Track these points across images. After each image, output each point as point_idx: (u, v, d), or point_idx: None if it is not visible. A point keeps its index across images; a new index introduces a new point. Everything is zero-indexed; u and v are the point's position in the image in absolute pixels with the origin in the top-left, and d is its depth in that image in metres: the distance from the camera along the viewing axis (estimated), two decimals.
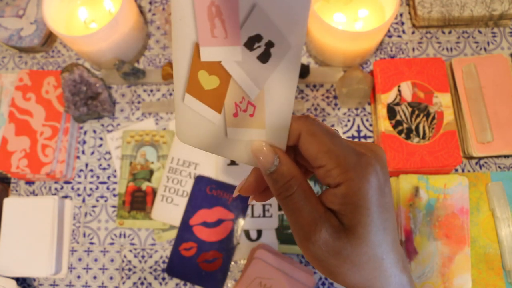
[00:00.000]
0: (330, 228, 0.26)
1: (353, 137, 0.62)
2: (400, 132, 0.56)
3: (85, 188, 0.64)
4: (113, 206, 0.63)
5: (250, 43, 0.26)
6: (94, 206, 0.63)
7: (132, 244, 0.61)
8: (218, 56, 0.27)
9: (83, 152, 0.66)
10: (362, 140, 0.62)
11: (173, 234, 0.60)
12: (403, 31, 0.66)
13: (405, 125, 0.57)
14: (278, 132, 0.28)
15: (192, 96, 0.29)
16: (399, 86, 0.58)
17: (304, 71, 0.62)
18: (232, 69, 0.27)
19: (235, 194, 0.31)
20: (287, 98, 0.27)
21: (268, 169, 0.28)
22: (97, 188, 0.64)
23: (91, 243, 0.62)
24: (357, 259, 0.26)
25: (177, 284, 0.59)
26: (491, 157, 0.60)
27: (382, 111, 0.57)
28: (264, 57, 0.26)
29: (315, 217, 0.26)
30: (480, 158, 0.60)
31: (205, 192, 0.60)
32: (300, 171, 0.28)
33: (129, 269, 0.61)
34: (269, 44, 0.25)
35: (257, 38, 0.26)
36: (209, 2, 0.25)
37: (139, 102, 0.66)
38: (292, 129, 0.28)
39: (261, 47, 0.26)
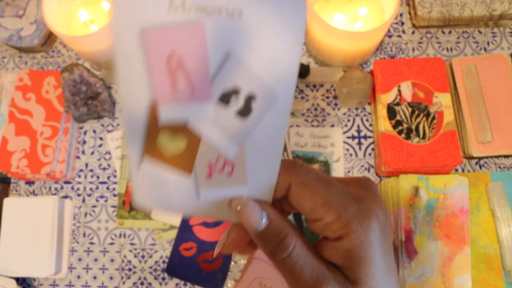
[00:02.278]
0: (336, 285, 0.24)
1: (353, 137, 0.62)
2: (400, 132, 0.56)
3: (85, 188, 0.64)
4: (113, 206, 0.63)
5: (226, 98, 0.21)
6: (94, 206, 0.63)
7: (132, 244, 0.61)
8: (183, 115, 0.22)
9: (83, 152, 0.66)
10: (362, 140, 0.62)
11: (173, 234, 0.60)
12: (403, 31, 0.66)
13: (405, 125, 0.57)
14: (263, 187, 0.24)
15: (152, 157, 0.24)
16: (399, 86, 0.58)
17: (304, 71, 0.62)
18: (203, 128, 0.22)
19: (216, 253, 0.27)
20: (274, 151, 0.23)
21: (255, 229, 0.24)
22: (97, 188, 0.64)
23: (91, 243, 0.62)
24: None
25: (177, 284, 0.59)
26: (491, 157, 0.60)
27: (382, 111, 0.57)
28: (243, 113, 0.22)
29: (318, 276, 0.24)
30: (480, 158, 0.60)
31: None
32: (292, 226, 0.25)
33: (129, 269, 0.61)
34: (250, 99, 0.21)
35: (234, 92, 0.21)
36: (168, 52, 0.20)
37: None
38: (280, 181, 0.25)
39: (240, 102, 0.21)
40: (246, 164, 0.24)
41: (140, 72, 0.21)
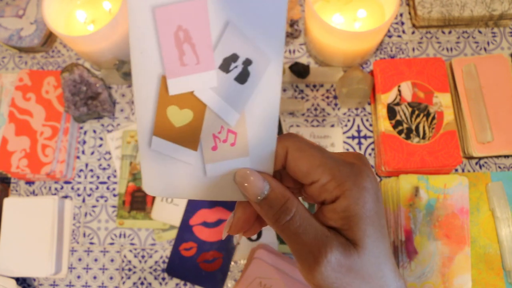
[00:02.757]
0: (340, 246, 0.24)
1: (353, 137, 0.62)
2: (400, 132, 0.56)
3: (85, 188, 0.64)
4: (113, 206, 0.63)
5: (226, 65, 0.24)
6: (94, 206, 0.63)
7: (132, 244, 0.61)
8: (190, 86, 0.24)
9: (83, 152, 0.66)
10: (362, 140, 0.62)
11: (173, 234, 0.60)
12: (403, 31, 0.66)
13: (405, 125, 0.57)
14: (264, 156, 0.26)
15: (161, 138, 0.26)
16: (399, 86, 0.58)
17: (304, 71, 0.62)
18: (207, 98, 0.25)
19: (224, 235, 0.29)
20: (270, 117, 0.25)
21: (257, 196, 0.26)
22: (97, 188, 0.64)
23: (91, 243, 0.62)
24: (366, 271, 0.25)
25: (177, 284, 0.59)
26: (491, 157, 0.60)
27: (382, 111, 0.57)
28: (242, 77, 0.24)
29: (321, 238, 0.25)
30: (480, 158, 0.60)
31: None
32: (291, 193, 0.26)
33: (129, 269, 0.61)
34: (247, 62, 0.24)
35: (233, 58, 0.24)
36: (176, 27, 0.23)
37: None
38: (278, 149, 0.26)
39: (238, 67, 0.24)
40: (247, 133, 0.26)
41: (152, 46, 0.23)
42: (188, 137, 0.26)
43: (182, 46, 0.23)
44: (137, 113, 0.26)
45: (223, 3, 0.23)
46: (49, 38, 0.70)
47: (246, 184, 0.26)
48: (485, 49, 0.64)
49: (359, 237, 0.24)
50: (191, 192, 0.27)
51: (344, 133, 0.62)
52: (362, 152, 0.61)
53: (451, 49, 0.64)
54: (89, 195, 0.64)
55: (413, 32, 0.66)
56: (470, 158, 0.60)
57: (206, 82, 0.24)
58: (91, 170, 0.65)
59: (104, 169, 0.64)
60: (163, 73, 0.24)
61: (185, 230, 0.59)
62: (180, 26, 0.23)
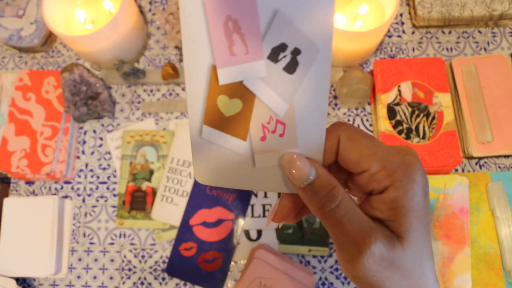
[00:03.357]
0: (384, 238, 0.24)
1: None
2: (400, 132, 0.56)
3: (85, 188, 0.64)
4: (113, 206, 0.63)
5: (275, 55, 0.24)
6: (94, 206, 0.63)
7: (132, 244, 0.61)
8: (239, 76, 0.25)
9: (83, 152, 0.66)
10: None
11: (173, 234, 0.60)
12: (403, 31, 0.66)
13: (405, 125, 0.57)
14: (313, 147, 0.26)
15: (211, 127, 0.26)
16: (399, 86, 0.58)
17: None
18: (256, 87, 0.25)
19: (268, 223, 0.29)
20: (319, 108, 0.25)
21: (303, 180, 0.25)
22: (97, 188, 0.64)
23: (91, 243, 0.62)
24: (407, 267, 0.24)
25: (177, 284, 0.60)
26: (491, 157, 0.60)
27: (382, 111, 0.57)
28: (291, 67, 0.24)
29: (366, 228, 0.24)
30: (480, 158, 0.60)
31: (205, 192, 0.60)
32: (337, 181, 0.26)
33: (129, 269, 0.61)
34: (296, 52, 0.24)
35: (282, 47, 0.24)
36: (225, 17, 0.23)
37: (139, 102, 0.66)
38: (329, 139, 0.26)
39: (287, 57, 0.24)
40: (296, 124, 0.25)
41: (202, 36, 0.24)
42: (237, 127, 0.26)
43: (231, 36, 0.23)
44: (189, 102, 0.26)
45: None
46: (49, 38, 0.70)
47: (292, 169, 0.25)
48: (485, 49, 0.64)
49: (404, 230, 0.24)
50: (240, 182, 0.28)
51: None
52: None
53: (451, 49, 0.64)
54: (89, 195, 0.64)
55: (413, 32, 0.66)
56: (470, 158, 0.60)
57: (255, 72, 0.24)
58: (91, 170, 0.65)
59: (104, 169, 0.64)
60: (213, 62, 0.24)
61: (185, 230, 0.59)
62: (229, 16, 0.23)
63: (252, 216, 0.60)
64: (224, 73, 0.25)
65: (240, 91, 0.25)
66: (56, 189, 0.65)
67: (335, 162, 0.27)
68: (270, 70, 0.24)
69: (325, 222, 0.25)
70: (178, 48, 0.68)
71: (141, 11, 0.70)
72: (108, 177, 0.64)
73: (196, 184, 0.61)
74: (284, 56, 0.24)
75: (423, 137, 0.56)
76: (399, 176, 0.24)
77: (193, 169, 0.28)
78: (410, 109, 0.57)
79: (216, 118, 0.26)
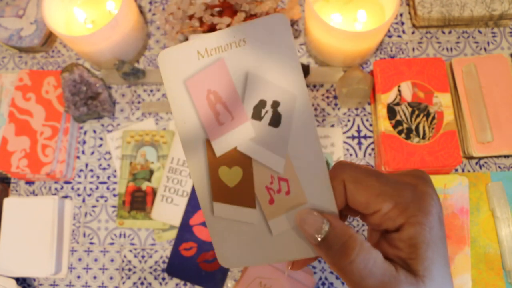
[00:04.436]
0: (409, 287, 0.22)
1: (353, 137, 0.62)
2: (400, 132, 0.56)
3: (85, 188, 0.64)
4: (113, 206, 0.63)
5: (257, 113, 0.25)
6: (94, 206, 0.63)
7: (132, 244, 0.61)
8: (232, 143, 0.26)
9: (83, 152, 0.66)
10: (362, 140, 0.62)
11: (173, 234, 0.60)
12: (403, 31, 0.66)
13: (405, 125, 0.57)
14: (322, 197, 0.25)
15: (220, 202, 0.27)
16: (399, 86, 0.58)
17: (304, 71, 0.62)
18: (249, 150, 0.26)
19: (287, 272, 0.28)
20: (316, 153, 0.25)
21: (317, 236, 0.24)
22: (97, 188, 0.64)
23: (91, 243, 0.62)
24: None
25: (177, 284, 0.60)
26: (491, 157, 0.60)
27: (382, 111, 0.57)
28: (275, 121, 0.25)
29: (390, 279, 0.22)
30: (480, 158, 0.60)
31: None
32: (354, 230, 0.24)
33: (129, 269, 0.61)
34: (275, 104, 0.25)
35: (261, 104, 0.25)
36: (206, 91, 0.25)
37: (139, 102, 0.66)
38: (335, 185, 0.25)
39: (269, 111, 0.25)
40: (298, 177, 0.25)
41: (191, 115, 0.26)
42: (244, 196, 0.26)
43: (215, 107, 0.25)
44: (194, 182, 0.27)
45: (238, 57, 0.25)
46: (49, 38, 0.70)
47: (304, 226, 0.24)
48: (485, 49, 0.64)
49: (426, 266, 0.23)
50: (264, 256, 0.27)
51: (344, 133, 0.62)
52: (362, 152, 0.61)
53: (451, 49, 0.64)
54: (89, 195, 0.64)
55: (413, 32, 0.66)
56: (470, 158, 0.60)
57: (244, 134, 0.25)
58: (91, 170, 0.65)
59: (104, 169, 0.64)
60: (206, 137, 0.26)
61: (185, 230, 0.59)
62: (209, 89, 0.25)
63: None
64: (218, 143, 0.26)
65: (237, 158, 0.26)
66: (56, 189, 0.65)
67: (347, 204, 0.26)
68: (257, 129, 0.25)
69: (345, 278, 0.23)
70: None
71: (141, 11, 0.71)
72: (108, 177, 0.64)
73: None
74: (266, 112, 0.25)
75: (423, 137, 0.56)
76: (413, 211, 0.23)
77: (216, 253, 0.28)
78: (410, 109, 0.57)
79: (223, 191, 0.26)
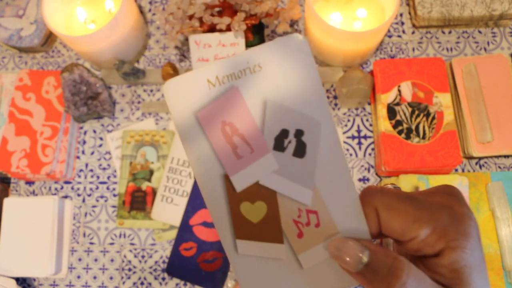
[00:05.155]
0: None
1: (353, 137, 0.62)
2: (400, 132, 0.56)
3: (85, 188, 0.64)
4: (113, 206, 0.63)
5: (279, 143, 0.23)
6: (94, 206, 0.63)
7: (132, 244, 0.61)
8: (253, 177, 0.24)
9: (83, 152, 0.66)
10: (362, 140, 0.62)
11: (173, 234, 0.60)
12: (403, 31, 0.66)
13: (405, 125, 0.57)
14: (355, 226, 0.24)
15: (244, 240, 0.25)
16: (399, 86, 0.58)
17: None
18: (273, 183, 0.24)
19: None
20: (344, 180, 0.24)
21: (358, 264, 0.22)
22: (97, 188, 0.64)
23: (91, 243, 0.62)
24: None
25: (177, 284, 0.59)
26: (491, 157, 0.60)
27: (382, 111, 0.57)
28: (300, 151, 0.23)
29: None
30: (480, 158, 0.60)
31: None
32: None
33: (129, 269, 0.61)
34: (299, 134, 0.23)
35: (284, 134, 0.23)
36: (221, 123, 0.23)
37: (139, 102, 0.66)
38: (367, 212, 0.24)
39: (292, 142, 0.23)
40: (327, 208, 0.24)
41: (205, 149, 0.24)
42: (270, 231, 0.25)
43: (232, 140, 0.24)
44: (214, 219, 0.25)
45: (253, 84, 0.23)
46: (49, 38, 0.70)
47: (342, 255, 0.23)
48: (485, 49, 0.64)
49: None
50: None
51: (344, 133, 0.62)
52: (362, 152, 0.61)
53: (451, 49, 0.64)
54: (89, 195, 0.64)
55: (413, 32, 0.66)
56: (470, 158, 0.60)
57: (266, 167, 0.24)
58: (91, 170, 0.65)
59: (104, 169, 0.64)
60: (224, 172, 0.24)
61: (185, 230, 0.59)
62: (224, 121, 0.23)
63: None
64: (238, 179, 0.24)
65: (260, 192, 0.24)
66: (56, 189, 0.65)
67: (380, 232, 0.25)
68: (281, 161, 0.24)
69: None
70: (178, 48, 0.68)
71: (141, 11, 0.71)
72: (108, 177, 0.64)
73: (196, 184, 0.61)
74: (290, 142, 0.23)
75: (423, 137, 0.56)
76: (453, 235, 0.22)
77: None
78: (410, 109, 0.57)
79: (246, 228, 0.25)
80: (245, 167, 0.24)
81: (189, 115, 0.23)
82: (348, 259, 0.23)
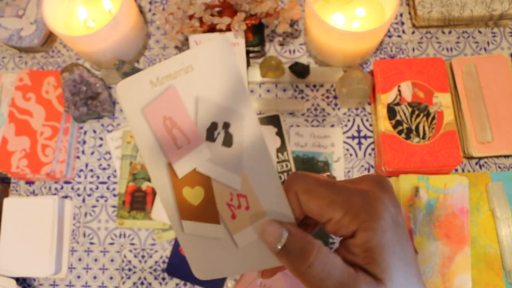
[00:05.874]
0: (368, 287, 0.23)
1: (353, 137, 0.62)
2: (400, 132, 0.56)
3: (85, 188, 0.64)
4: (113, 206, 0.63)
5: (210, 134, 0.27)
6: (94, 206, 0.63)
7: (132, 244, 0.61)
8: (191, 164, 0.27)
9: (83, 152, 0.66)
10: (362, 140, 0.62)
11: (173, 234, 0.60)
12: (403, 31, 0.66)
13: (405, 125, 0.57)
14: (280, 210, 0.27)
15: (188, 220, 0.28)
16: (399, 86, 0.58)
17: (304, 71, 0.62)
18: (207, 169, 0.27)
19: (259, 282, 0.29)
20: (267, 167, 0.26)
21: (277, 244, 0.25)
22: (97, 188, 0.64)
23: (91, 243, 0.62)
24: None
25: (177, 284, 0.59)
26: (491, 157, 0.60)
27: (382, 111, 0.57)
28: (228, 141, 0.26)
29: (349, 281, 0.23)
30: (480, 158, 0.60)
31: None
32: (313, 237, 0.25)
33: (129, 269, 0.61)
34: (226, 125, 0.26)
35: (213, 126, 0.26)
36: (162, 118, 0.27)
37: None
38: (290, 197, 0.26)
39: (221, 133, 0.26)
40: (255, 193, 0.27)
41: (152, 141, 0.27)
42: (208, 213, 0.28)
43: (172, 132, 0.27)
44: (163, 202, 0.28)
45: (187, 83, 0.26)
46: (49, 38, 0.70)
47: (265, 236, 0.26)
48: (485, 49, 0.64)
49: (384, 269, 0.23)
50: (232, 267, 0.29)
51: (344, 133, 0.62)
52: (362, 152, 0.61)
53: (451, 49, 0.64)
54: (89, 195, 0.64)
55: (413, 32, 0.66)
56: (470, 158, 0.60)
57: (201, 156, 0.27)
58: (91, 170, 0.65)
59: (104, 169, 0.64)
60: (168, 160, 0.27)
61: None
62: (165, 116, 0.27)
63: None
64: (179, 166, 0.27)
65: (198, 178, 0.27)
66: (56, 189, 0.65)
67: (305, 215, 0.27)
68: (212, 150, 0.27)
69: (305, 282, 0.24)
70: (178, 48, 0.68)
71: (141, 11, 0.70)
72: (108, 177, 0.64)
73: None
74: (219, 133, 0.26)
75: (423, 137, 0.56)
76: (364, 217, 0.24)
77: (190, 267, 0.29)
78: (410, 109, 0.57)
79: (189, 210, 0.28)
80: (184, 155, 0.27)
81: (137, 111, 0.27)
82: (270, 240, 0.25)
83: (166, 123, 0.27)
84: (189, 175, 0.27)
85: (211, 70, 0.26)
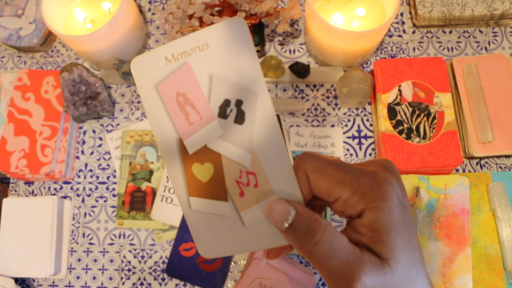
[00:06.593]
0: (373, 267, 0.23)
1: (354, 137, 0.62)
2: (400, 132, 0.56)
3: (84, 188, 0.64)
4: (113, 206, 0.63)
5: (223, 112, 0.27)
6: (93, 206, 0.63)
7: (131, 244, 0.61)
8: (202, 141, 0.27)
9: (82, 152, 0.65)
10: (362, 140, 0.62)
11: (173, 234, 0.60)
12: (404, 31, 0.66)
13: (405, 125, 0.57)
14: (289, 188, 0.27)
15: (196, 197, 0.28)
16: (399, 86, 0.58)
17: (304, 71, 0.62)
18: (218, 146, 0.27)
19: (264, 262, 0.30)
20: (278, 146, 0.26)
21: (284, 222, 0.25)
22: (97, 188, 0.64)
23: (91, 244, 0.62)
24: (400, 287, 0.24)
25: (177, 285, 0.59)
26: (492, 157, 0.59)
27: (383, 111, 0.57)
28: (240, 118, 0.27)
29: (354, 259, 0.23)
30: (481, 158, 0.60)
31: None
32: (320, 216, 0.25)
33: (129, 270, 0.60)
34: (239, 103, 0.26)
35: (226, 103, 0.27)
36: (175, 94, 0.27)
37: (138, 102, 0.66)
38: (299, 175, 0.26)
39: (233, 110, 0.27)
40: (264, 170, 0.27)
41: (164, 117, 0.27)
42: (216, 190, 0.28)
43: (185, 108, 0.27)
44: (171, 179, 0.29)
45: (202, 60, 0.26)
46: (48, 38, 0.69)
47: (272, 215, 0.26)
48: (486, 48, 0.64)
49: (389, 249, 0.23)
50: (238, 246, 0.29)
51: (344, 133, 0.62)
52: (362, 152, 0.61)
53: (452, 49, 0.64)
54: (89, 195, 0.64)
55: (413, 32, 0.65)
56: (471, 158, 0.60)
57: (212, 133, 0.27)
58: (91, 170, 0.64)
59: (103, 169, 0.64)
60: (179, 136, 0.28)
61: (185, 230, 0.59)
62: (178, 92, 0.27)
63: None
64: (190, 142, 0.28)
65: (208, 155, 0.28)
66: (55, 189, 0.64)
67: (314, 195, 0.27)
68: (224, 127, 0.27)
69: (312, 260, 0.24)
70: None
71: (141, 11, 0.70)
72: (108, 177, 0.64)
73: None
74: (231, 110, 0.27)
75: (424, 137, 0.56)
76: (372, 197, 0.24)
77: (195, 244, 0.29)
78: (410, 109, 0.57)
79: (197, 187, 0.28)
80: (195, 132, 0.27)
81: (151, 87, 0.27)
82: (277, 218, 0.25)
83: (179, 99, 0.27)
84: (200, 152, 0.28)
85: (226, 49, 0.26)
